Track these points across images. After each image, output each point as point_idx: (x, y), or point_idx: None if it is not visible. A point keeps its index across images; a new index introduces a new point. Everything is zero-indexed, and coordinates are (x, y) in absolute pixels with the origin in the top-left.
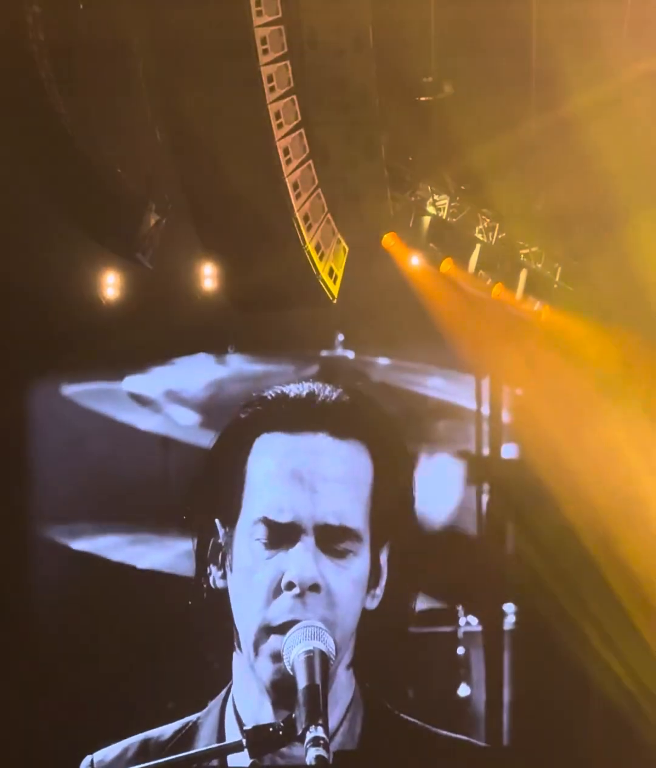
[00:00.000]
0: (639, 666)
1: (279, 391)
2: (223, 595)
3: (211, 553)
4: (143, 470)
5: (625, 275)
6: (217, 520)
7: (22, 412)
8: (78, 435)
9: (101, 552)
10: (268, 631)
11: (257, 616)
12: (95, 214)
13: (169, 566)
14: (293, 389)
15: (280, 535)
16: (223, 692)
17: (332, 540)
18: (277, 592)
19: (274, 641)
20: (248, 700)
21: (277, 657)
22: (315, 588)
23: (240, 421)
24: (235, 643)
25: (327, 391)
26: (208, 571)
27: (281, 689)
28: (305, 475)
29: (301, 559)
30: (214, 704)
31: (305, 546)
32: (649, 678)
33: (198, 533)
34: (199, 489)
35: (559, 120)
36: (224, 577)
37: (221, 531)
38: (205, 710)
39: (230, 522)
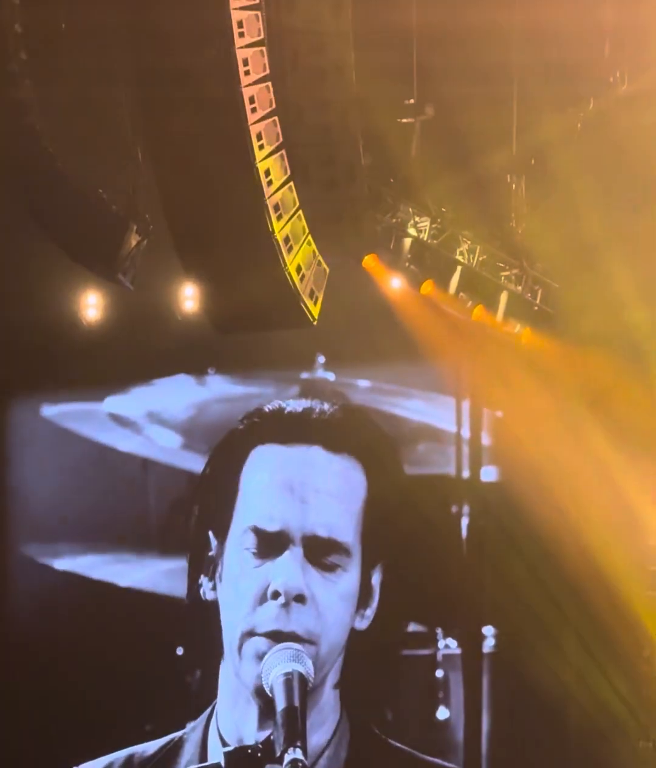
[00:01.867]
0: (619, 689)
1: (277, 406)
2: (212, 606)
3: (204, 564)
4: (123, 491)
5: (605, 298)
6: (210, 532)
7: (2, 432)
8: (58, 456)
9: (81, 570)
10: (253, 636)
11: (242, 622)
12: (76, 235)
13: (152, 585)
14: (290, 404)
15: (269, 545)
16: (208, 710)
17: (320, 552)
18: (262, 600)
19: (259, 644)
20: (233, 714)
21: (261, 658)
22: (300, 599)
23: (237, 432)
24: (223, 654)
25: (324, 407)
26: (200, 582)
27: (267, 695)
28: (296, 486)
29: (288, 569)
30: (199, 722)
31: (293, 556)
32: (628, 701)
33: (192, 544)
34: (194, 500)
35: (541, 142)
36: (214, 588)
37: (213, 542)
38: (190, 727)
39: (222, 534)
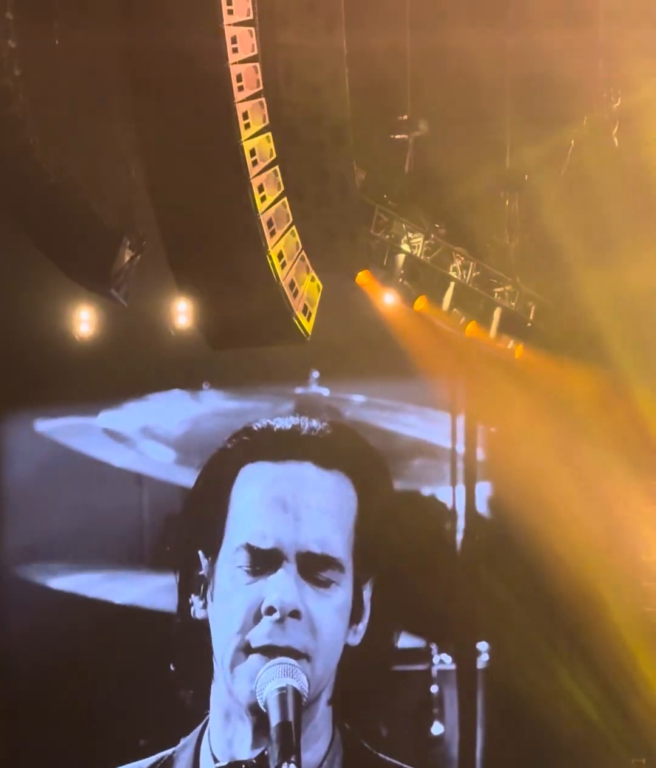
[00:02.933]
0: (613, 706)
1: (265, 424)
2: (203, 625)
3: (194, 584)
4: (117, 506)
5: (598, 314)
6: (199, 552)
7: None
8: (52, 471)
9: (77, 589)
10: (246, 652)
11: (235, 638)
12: (69, 250)
13: (146, 601)
14: (278, 422)
15: (262, 562)
16: (199, 727)
17: (314, 568)
18: (256, 617)
19: (252, 661)
20: (225, 732)
21: (255, 675)
22: (295, 614)
23: (226, 451)
24: (215, 673)
25: (312, 424)
26: (190, 602)
27: (261, 712)
28: (289, 502)
29: (282, 585)
30: (190, 739)
31: (287, 572)
32: (622, 717)
33: (181, 565)
34: (183, 520)
35: (534, 159)
36: (205, 607)
37: (204, 562)
38: (180, 745)
39: (212, 553)
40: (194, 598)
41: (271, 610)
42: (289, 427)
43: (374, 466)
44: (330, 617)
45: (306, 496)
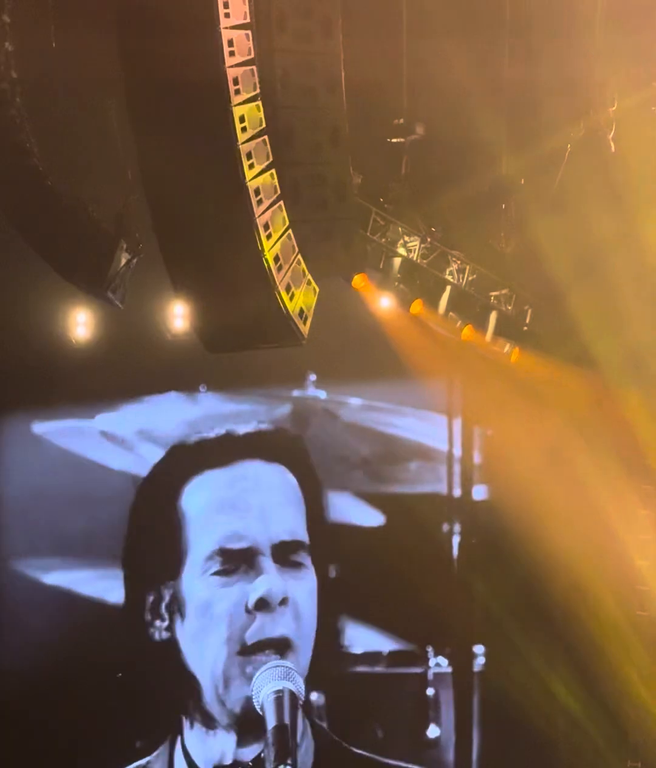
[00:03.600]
0: (608, 709)
1: (199, 437)
2: (164, 646)
3: (151, 608)
4: (114, 509)
5: (593, 319)
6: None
7: None
8: (49, 473)
9: (72, 586)
10: (242, 653)
11: (225, 645)
12: (66, 253)
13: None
14: (210, 432)
15: (237, 562)
16: (168, 740)
17: (288, 554)
18: (243, 615)
19: (247, 665)
20: (206, 740)
21: (250, 680)
22: (284, 601)
23: (162, 473)
24: (201, 684)
25: (246, 426)
26: (153, 626)
27: (246, 722)
28: (251, 500)
29: (267, 578)
30: (163, 748)
31: (267, 565)
32: (618, 720)
33: (130, 592)
34: (129, 550)
35: (531, 162)
36: (169, 628)
37: (161, 586)
38: (154, 754)
39: (171, 573)
40: (156, 623)
41: (259, 604)
42: (223, 432)
43: (304, 456)
44: (307, 600)
45: (263, 492)
